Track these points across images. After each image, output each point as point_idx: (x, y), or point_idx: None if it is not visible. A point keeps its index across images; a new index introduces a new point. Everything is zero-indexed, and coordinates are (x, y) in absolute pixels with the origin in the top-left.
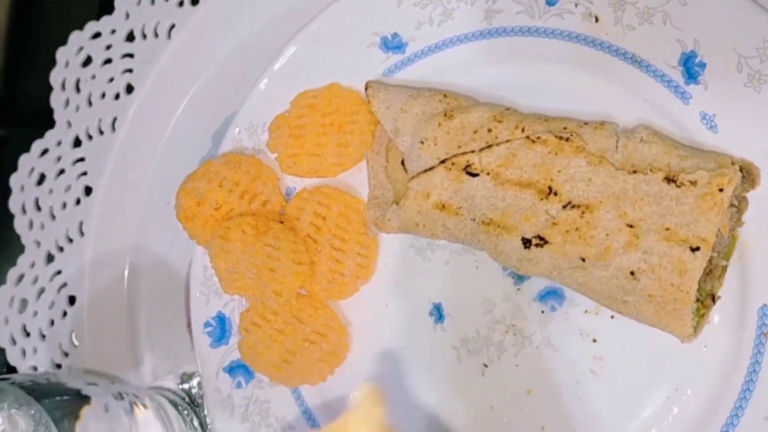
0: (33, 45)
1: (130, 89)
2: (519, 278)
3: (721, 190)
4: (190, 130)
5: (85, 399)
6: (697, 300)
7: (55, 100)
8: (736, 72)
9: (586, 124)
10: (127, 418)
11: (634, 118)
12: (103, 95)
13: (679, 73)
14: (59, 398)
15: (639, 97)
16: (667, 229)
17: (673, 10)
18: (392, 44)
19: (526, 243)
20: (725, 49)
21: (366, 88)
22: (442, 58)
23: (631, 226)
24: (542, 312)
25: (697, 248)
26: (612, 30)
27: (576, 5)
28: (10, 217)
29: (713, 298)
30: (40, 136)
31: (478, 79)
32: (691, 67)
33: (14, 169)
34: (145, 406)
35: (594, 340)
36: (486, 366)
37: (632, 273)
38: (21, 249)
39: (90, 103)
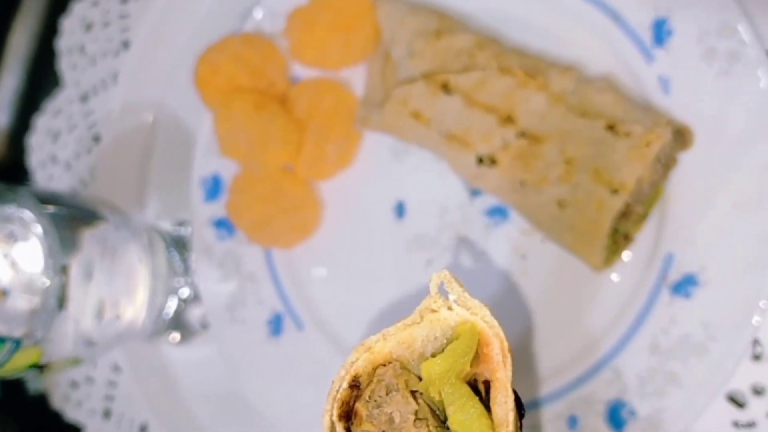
0: None
1: None
2: (474, 192)
3: (648, 145)
4: (224, 6)
5: (91, 221)
6: (614, 238)
7: None
8: (696, 45)
9: (555, 65)
10: (120, 245)
11: (602, 68)
12: None
13: (649, 35)
14: (70, 214)
15: (610, 49)
16: (597, 170)
17: None
18: None
19: (480, 160)
20: (691, 23)
21: None
22: None
23: (568, 163)
24: (487, 225)
25: (617, 191)
26: None
27: None
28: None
29: (626, 238)
30: None
31: (477, 6)
32: (660, 31)
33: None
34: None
35: (523, 257)
36: (429, 263)
37: (560, 203)
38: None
39: None
